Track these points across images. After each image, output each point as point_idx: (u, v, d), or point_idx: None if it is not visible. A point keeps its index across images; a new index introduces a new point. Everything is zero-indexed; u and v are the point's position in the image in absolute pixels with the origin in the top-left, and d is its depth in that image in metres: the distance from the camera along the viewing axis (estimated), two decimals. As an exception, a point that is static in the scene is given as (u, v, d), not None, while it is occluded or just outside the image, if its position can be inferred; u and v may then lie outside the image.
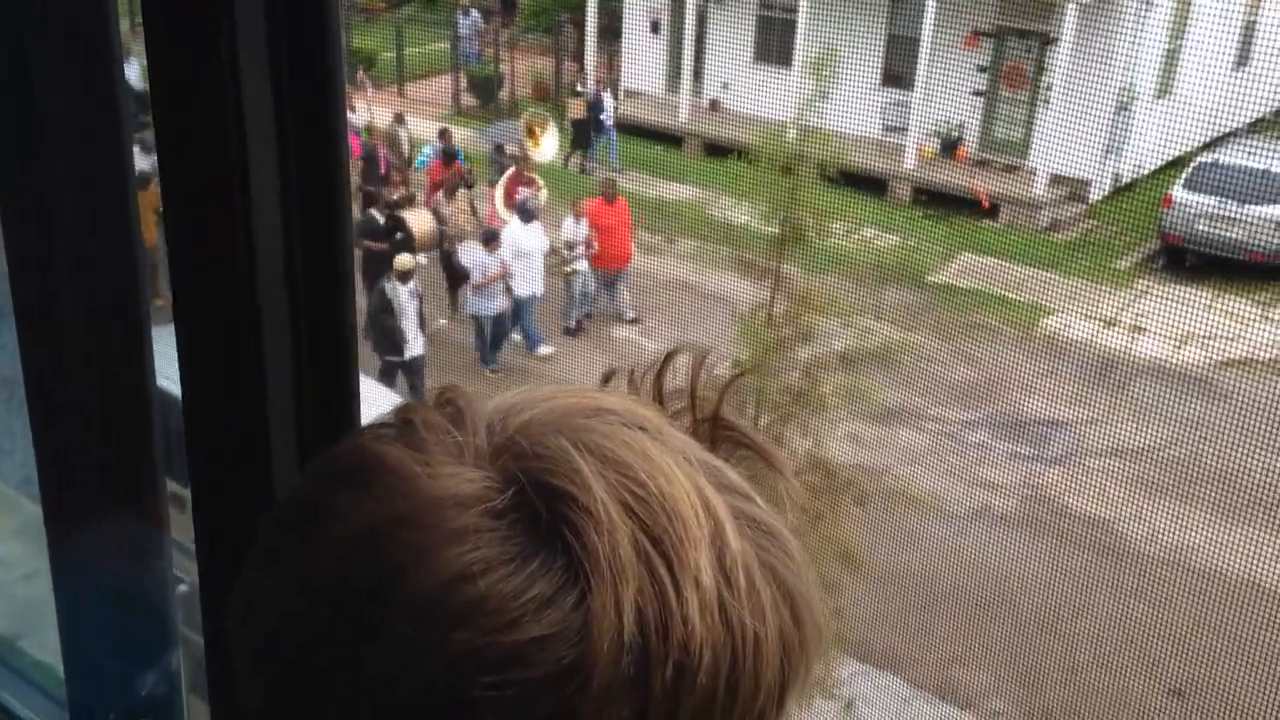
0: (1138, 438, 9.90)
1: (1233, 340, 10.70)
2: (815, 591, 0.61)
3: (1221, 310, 11.05)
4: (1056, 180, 13.75)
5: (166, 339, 1.14)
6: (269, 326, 0.95)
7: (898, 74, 15.04)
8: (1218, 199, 11.40)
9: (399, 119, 15.31)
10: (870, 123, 14.28)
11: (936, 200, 14.06)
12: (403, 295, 10.54)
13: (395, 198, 12.69)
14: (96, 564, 1.37)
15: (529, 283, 11.48)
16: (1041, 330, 11.55)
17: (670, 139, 16.20)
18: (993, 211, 13.74)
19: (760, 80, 14.96)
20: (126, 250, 1.28)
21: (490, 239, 11.46)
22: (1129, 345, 11.11)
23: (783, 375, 7.31)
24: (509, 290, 11.44)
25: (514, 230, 11.64)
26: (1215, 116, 10.86)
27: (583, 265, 11.94)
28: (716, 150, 14.52)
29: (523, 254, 11.41)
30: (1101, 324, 11.53)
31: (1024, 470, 9.91)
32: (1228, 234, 11.46)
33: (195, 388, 1.06)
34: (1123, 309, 11.79)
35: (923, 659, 8.11)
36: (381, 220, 11.89)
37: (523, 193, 12.45)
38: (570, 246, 11.95)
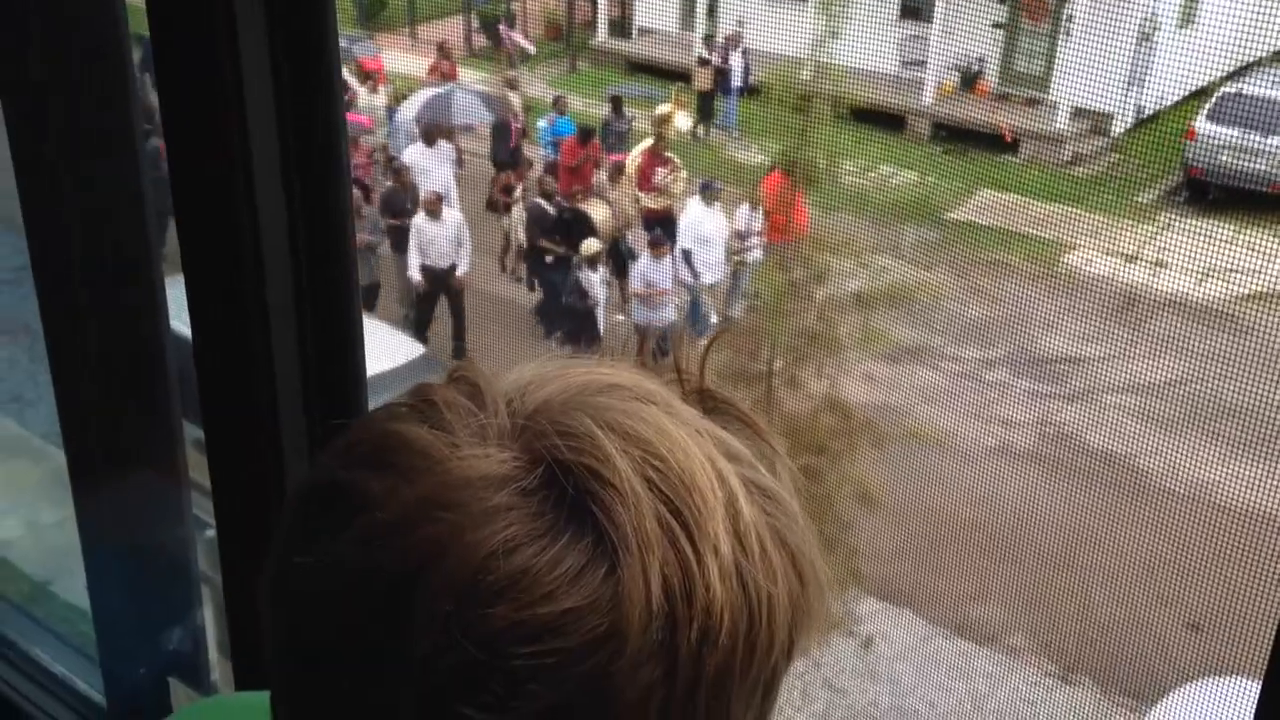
0: (1158, 373, 9.85)
1: (1255, 274, 10.59)
2: (817, 551, 0.64)
3: (1244, 244, 10.93)
4: (1078, 114, 13.55)
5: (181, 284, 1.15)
6: (272, 280, 0.96)
7: (916, 7, 14.78)
8: (1241, 130, 11.22)
9: (511, 84, 13.87)
10: (888, 58, 14.08)
11: (956, 136, 13.89)
12: (595, 284, 9.90)
13: (568, 190, 11.56)
14: (121, 521, 1.40)
15: (709, 271, 10.37)
16: (1062, 266, 11.45)
17: (684, 77, 16.02)
18: (1013, 146, 13.57)
19: (775, 16, 14.73)
20: (137, 208, 1.29)
21: (659, 243, 10.26)
22: (1150, 280, 11.01)
23: (798, 317, 7.29)
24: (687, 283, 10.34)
25: (695, 214, 10.41)
26: (1239, 45, 10.66)
27: (754, 256, 10.76)
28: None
29: (705, 240, 10.28)
30: (1123, 259, 11.42)
31: (1043, 407, 9.89)
32: (1252, 166, 11.29)
33: (206, 343, 1.08)
34: (1144, 244, 11.66)
35: (941, 596, 8.17)
36: (553, 212, 10.92)
37: (659, 173, 11.40)
38: (743, 236, 10.82)
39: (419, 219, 10.93)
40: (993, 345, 10.58)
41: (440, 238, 10.86)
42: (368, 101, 14.12)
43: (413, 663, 0.56)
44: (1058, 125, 13.58)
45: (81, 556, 1.50)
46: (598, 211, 11.04)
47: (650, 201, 11.48)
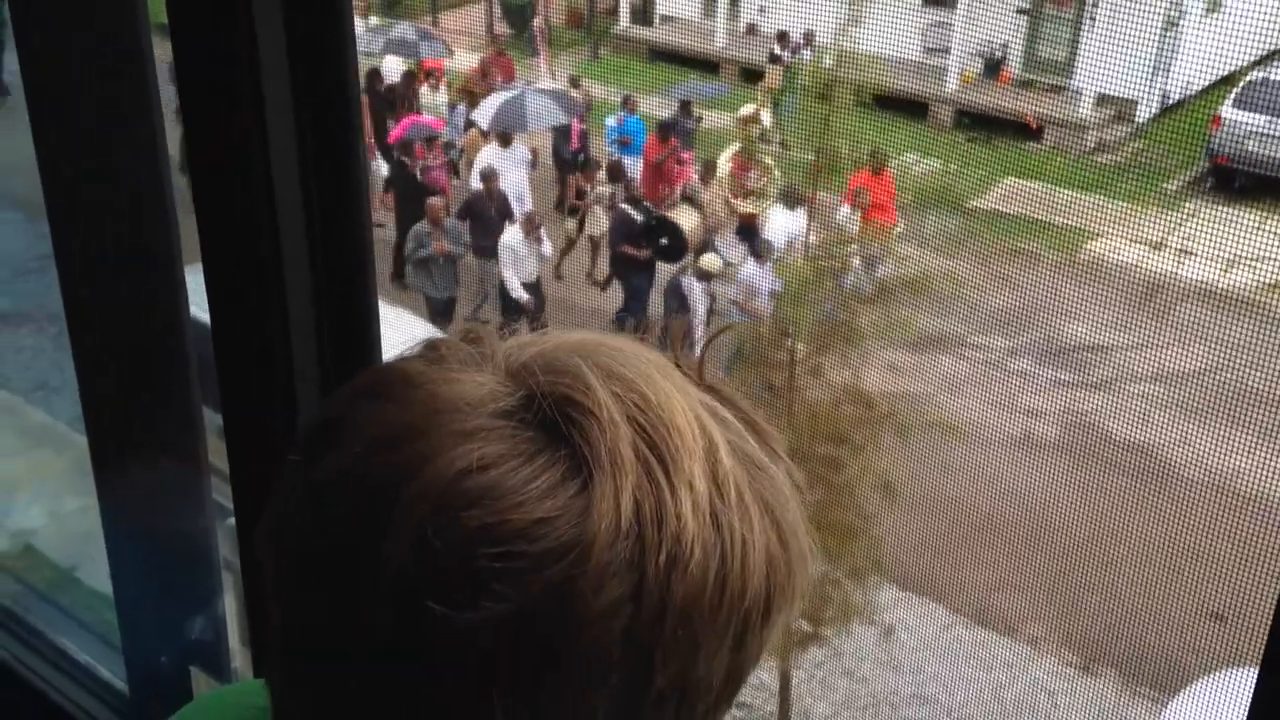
0: (1183, 362, 9.78)
1: (1282, 262, 10.50)
2: (802, 525, 0.66)
3: (1271, 232, 10.83)
4: (1102, 101, 13.44)
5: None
6: (289, 260, 0.96)
7: (939, -6, 14.70)
8: (1268, 117, 11.10)
9: (574, 82, 13.58)
10: (911, 45, 13.99)
11: (979, 124, 13.80)
12: (697, 293, 9.64)
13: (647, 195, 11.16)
14: (142, 510, 1.41)
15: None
16: (1086, 255, 11.37)
17: (707, 65, 15.97)
18: (1037, 134, 13.47)
19: (799, 2, 14.66)
20: (158, 198, 1.30)
21: (762, 252, 9.95)
22: (1175, 269, 10.92)
23: (821, 305, 7.27)
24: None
25: (780, 222, 10.05)
26: (1267, 31, 10.54)
27: (854, 261, 10.03)
28: (754, 76, 14.30)
29: (793, 249, 9.80)
30: (1148, 247, 11.33)
31: (1066, 396, 9.84)
32: (1279, 154, 11.18)
33: (224, 330, 1.08)
34: (1169, 232, 11.56)
35: (963, 586, 8.15)
36: (639, 218, 10.60)
37: (752, 176, 11.11)
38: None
39: (513, 237, 10.54)
40: (1017, 334, 10.52)
41: (532, 256, 10.57)
42: (430, 100, 13.84)
43: (387, 565, 0.58)
44: (1082, 112, 13.47)
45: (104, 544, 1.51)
46: (687, 219, 10.73)
47: (746, 206, 11.17)
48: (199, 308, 1.30)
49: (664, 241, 10.26)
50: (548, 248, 10.86)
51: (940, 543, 8.49)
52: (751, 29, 16.19)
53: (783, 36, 14.56)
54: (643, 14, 16.91)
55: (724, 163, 11.48)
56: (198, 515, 1.48)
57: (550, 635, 0.57)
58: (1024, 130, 13.41)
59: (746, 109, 12.74)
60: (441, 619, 0.57)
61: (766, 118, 12.55)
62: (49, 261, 1.48)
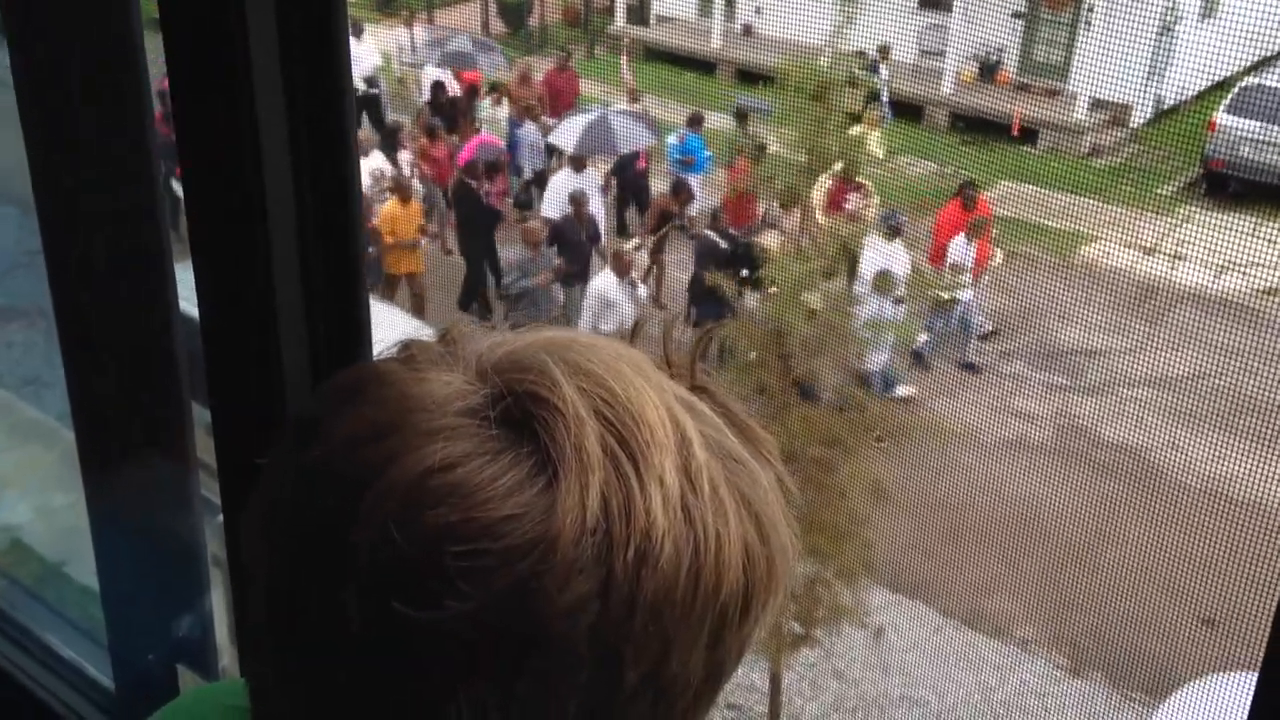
0: (1176, 367, 9.80)
1: (1274, 268, 10.53)
2: (784, 519, 0.65)
3: (1264, 237, 10.86)
4: (1097, 104, 13.47)
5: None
6: (279, 256, 0.96)
7: (936, -3, 14.73)
8: (1262, 123, 11.13)
9: (634, 97, 13.13)
10: (907, 47, 14.01)
11: (975, 126, 13.83)
12: None
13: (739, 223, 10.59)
14: (130, 507, 1.41)
15: (894, 311, 8.98)
16: (1080, 258, 11.40)
17: (703, 65, 15.99)
18: (1032, 137, 13.50)
19: (795, 3, 14.66)
20: (149, 195, 1.30)
21: (883, 279, 9.14)
22: (1169, 273, 10.94)
23: (813, 308, 7.27)
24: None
25: (878, 252, 9.50)
26: (1262, 37, 10.56)
27: (967, 295, 9.85)
28: (749, 77, 14.31)
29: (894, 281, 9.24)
30: (1141, 252, 11.35)
31: (1060, 400, 9.85)
32: (1273, 159, 11.21)
33: (214, 326, 1.08)
34: (1163, 236, 11.59)
35: (954, 588, 8.16)
36: (723, 244, 10.18)
37: (851, 199, 10.48)
38: (957, 270, 9.82)
39: (605, 283, 9.83)
40: (1010, 337, 10.54)
41: (628, 303, 9.83)
42: (490, 114, 13.36)
43: (355, 563, 0.58)
44: (1077, 116, 13.50)
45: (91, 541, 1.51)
46: (770, 242, 10.03)
47: (841, 228, 10.86)
48: (189, 303, 1.30)
49: (744, 273, 10.03)
50: (643, 290, 10.23)
51: (931, 545, 8.50)
52: (748, 30, 16.20)
53: (860, 55, 14.16)
54: (639, 13, 16.92)
55: (820, 185, 11.03)
56: (186, 512, 1.47)
57: (516, 632, 0.57)
58: (1020, 133, 13.44)
59: (856, 129, 12.10)
60: (409, 616, 0.57)
61: (875, 141, 11.74)
62: (40, 256, 1.47)
